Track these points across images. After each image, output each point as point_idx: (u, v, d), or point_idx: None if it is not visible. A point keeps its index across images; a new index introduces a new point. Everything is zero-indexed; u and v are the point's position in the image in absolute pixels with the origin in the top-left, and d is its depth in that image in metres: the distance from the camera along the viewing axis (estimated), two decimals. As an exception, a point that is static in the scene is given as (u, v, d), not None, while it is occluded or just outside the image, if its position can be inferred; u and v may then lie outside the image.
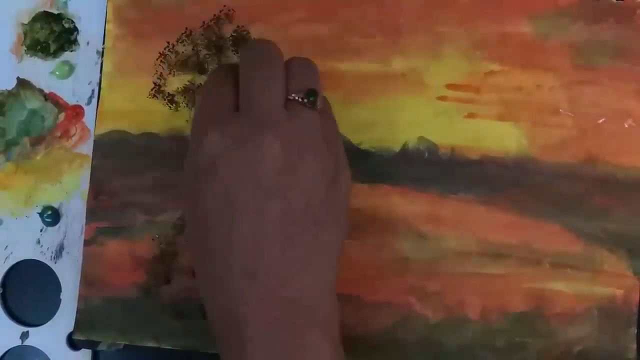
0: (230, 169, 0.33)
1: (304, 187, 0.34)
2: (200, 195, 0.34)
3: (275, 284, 0.33)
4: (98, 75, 0.45)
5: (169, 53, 0.44)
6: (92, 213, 0.43)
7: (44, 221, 0.44)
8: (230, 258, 0.33)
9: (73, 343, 0.44)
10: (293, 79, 0.35)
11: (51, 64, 0.45)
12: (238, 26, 0.44)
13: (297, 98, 0.35)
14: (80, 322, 0.43)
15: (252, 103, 0.34)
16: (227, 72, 0.37)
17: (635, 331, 0.41)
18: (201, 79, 0.44)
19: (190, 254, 0.37)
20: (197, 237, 0.35)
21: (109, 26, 0.44)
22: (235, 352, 0.33)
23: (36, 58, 0.45)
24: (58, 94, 0.45)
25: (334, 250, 0.35)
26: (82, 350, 0.44)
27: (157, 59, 0.44)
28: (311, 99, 0.35)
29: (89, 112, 0.45)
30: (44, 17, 0.45)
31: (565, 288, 0.41)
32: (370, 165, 0.42)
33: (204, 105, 0.36)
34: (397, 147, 0.42)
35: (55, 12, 0.45)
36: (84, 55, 0.45)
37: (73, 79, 0.45)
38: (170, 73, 0.44)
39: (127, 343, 0.43)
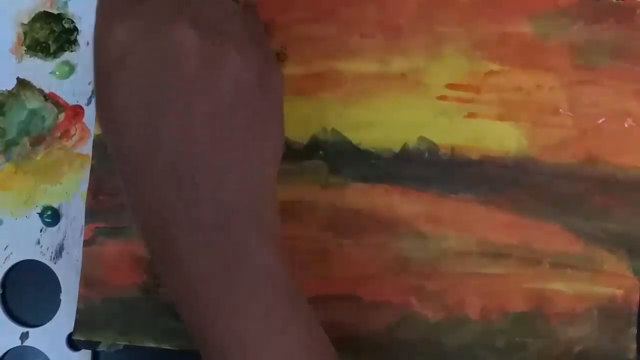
0: (145, 65, 0.30)
1: (228, 80, 0.30)
2: (113, 94, 0.30)
3: (207, 187, 0.30)
4: (98, 75, 0.45)
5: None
6: (91, 213, 0.43)
7: (43, 221, 0.44)
8: (154, 160, 0.30)
9: (73, 343, 0.44)
10: None
11: (51, 64, 0.45)
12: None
13: None
14: (80, 322, 0.43)
15: None
16: None
17: (635, 331, 0.41)
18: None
19: (117, 172, 0.33)
20: (116, 143, 0.31)
21: (109, 26, 0.44)
22: (171, 265, 0.31)
23: (36, 58, 0.45)
24: (58, 94, 0.45)
25: (269, 156, 0.32)
26: (82, 350, 0.44)
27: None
28: None
29: (89, 112, 0.45)
30: (44, 17, 0.45)
31: (565, 288, 0.41)
32: (370, 165, 0.42)
33: None
34: (397, 147, 0.42)
35: (55, 12, 0.45)
36: (84, 55, 0.45)
37: (73, 79, 0.45)
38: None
39: (127, 343, 0.43)
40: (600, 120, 0.42)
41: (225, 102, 0.30)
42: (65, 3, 0.45)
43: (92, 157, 0.44)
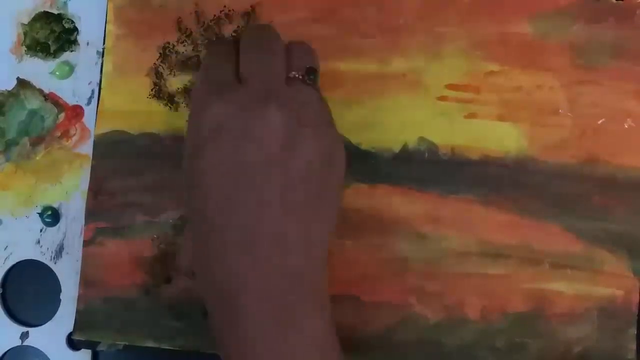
0: (234, 137, 0.33)
1: (304, 159, 0.34)
2: (202, 164, 0.34)
3: (273, 254, 0.33)
4: (98, 75, 0.45)
5: (169, 53, 0.44)
6: (91, 213, 0.43)
7: (43, 221, 0.44)
8: (230, 227, 0.33)
9: (73, 343, 0.44)
10: (293, 58, 0.36)
11: (51, 64, 0.45)
12: (238, 26, 0.44)
13: (297, 75, 0.36)
14: (80, 322, 0.43)
15: (254, 75, 0.35)
16: (227, 45, 0.38)
17: (635, 331, 0.41)
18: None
19: (189, 236, 0.37)
20: (196, 207, 0.35)
21: (109, 26, 0.44)
22: (229, 322, 0.33)
23: (36, 58, 0.45)
24: (58, 94, 0.45)
25: (328, 226, 0.35)
26: (82, 350, 0.44)
27: (157, 59, 0.44)
28: (311, 76, 0.36)
29: (89, 112, 0.45)
30: (44, 17, 0.46)
31: (565, 288, 0.41)
32: (370, 165, 0.42)
33: (205, 76, 0.36)
34: (397, 147, 0.42)
35: (55, 12, 0.45)
36: (84, 55, 0.45)
37: (73, 79, 0.45)
38: (170, 73, 0.44)
39: (126, 343, 0.43)
40: (600, 121, 0.42)
41: (298, 177, 0.34)
42: (65, 3, 0.45)
43: (92, 157, 0.44)
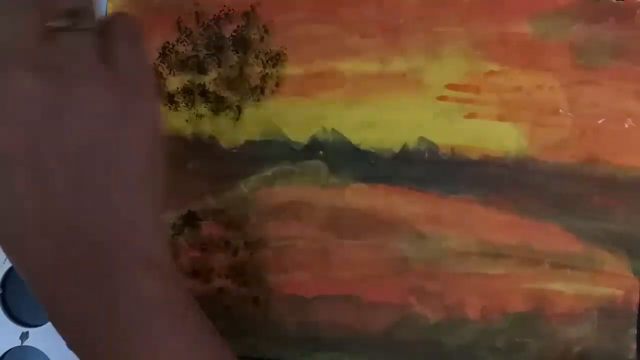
0: None
1: (78, 121, 0.29)
2: None
3: (68, 233, 0.29)
4: (98, 75, 0.44)
5: (168, 53, 0.44)
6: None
7: (43, 221, 0.44)
8: (16, 221, 0.29)
9: (73, 343, 0.44)
10: (49, 2, 0.30)
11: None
12: (238, 26, 0.44)
13: (54, 25, 0.30)
14: (80, 322, 0.43)
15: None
16: None
17: (635, 331, 0.41)
18: (201, 79, 0.44)
19: None
20: None
21: (109, 26, 0.44)
22: (54, 309, 0.31)
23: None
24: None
25: (141, 190, 0.31)
26: (82, 350, 0.44)
27: (156, 59, 0.44)
28: (71, 21, 0.30)
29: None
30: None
31: (565, 288, 0.41)
32: (370, 165, 0.42)
33: None
34: (397, 147, 0.42)
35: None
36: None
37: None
38: (169, 73, 0.44)
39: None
40: (600, 121, 0.42)
41: (72, 151, 0.29)
42: (65, 3, 0.45)
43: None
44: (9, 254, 0.31)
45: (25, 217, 0.29)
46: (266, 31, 0.43)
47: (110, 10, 0.44)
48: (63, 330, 0.31)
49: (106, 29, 0.32)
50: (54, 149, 0.29)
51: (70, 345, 0.31)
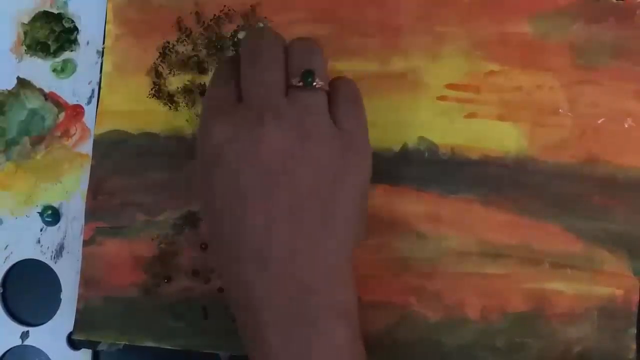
0: (235, 158, 0.34)
1: (309, 170, 0.34)
2: (209, 187, 0.35)
3: (285, 268, 0.33)
4: (98, 75, 0.45)
5: (169, 53, 0.44)
6: (91, 213, 0.43)
7: (44, 221, 0.44)
8: (241, 246, 0.34)
9: (73, 343, 0.44)
10: (292, 62, 0.35)
11: (51, 63, 0.45)
12: (238, 26, 0.44)
13: (296, 83, 0.35)
14: (80, 322, 0.43)
15: (252, 93, 0.35)
16: (230, 65, 0.37)
17: (635, 331, 0.41)
18: (201, 79, 0.44)
19: (211, 252, 0.40)
20: (212, 229, 0.36)
21: (109, 26, 0.44)
22: (254, 338, 0.34)
23: (36, 58, 0.45)
24: (58, 93, 0.45)
25: (346, 238, 0.35)
26: (82, 350, 0.44)
27: (157, 59, 0.44)
28: (309, 79, 0.35)
29: (89, 112, 0.45)
30: (44, 17, 0.46)
31: (565, 288, 0.41)
32: (370, 165, 0.42)
33: (209, 99, 0.37)
34: (397, 147, 0.42)
35: (55, 11, 0.45)
36: (83, 55, 0.45)
37: (73, 78, 0.45)
38: (170, 73, 0.44)
39: (126, 343, 0.43)
40: (600, 121, 0.42)
41: (302, 195, 0.34)
42: (65, 3, 0.45)
43: (92, 157, 0.44)
44: (223, 279, 0.36)
45: (251, 250, 0.34)
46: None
47: (110, 9, 0.44)
48: (249, 349, 0.35)
49: (333, 88, 0.36)
50: (285, 192, 0.33)
51: None
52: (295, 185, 0.33)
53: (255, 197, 0.33)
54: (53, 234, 0.44)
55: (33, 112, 0.45)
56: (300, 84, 0.35)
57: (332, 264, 0.34)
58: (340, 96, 0.36)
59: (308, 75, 0.35)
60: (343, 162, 0.35)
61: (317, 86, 0.35)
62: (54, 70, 0.45)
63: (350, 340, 0.34)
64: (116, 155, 0.43)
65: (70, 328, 0.43)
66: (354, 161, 0.35)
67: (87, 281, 0.43)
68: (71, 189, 0.44)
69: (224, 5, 0.44)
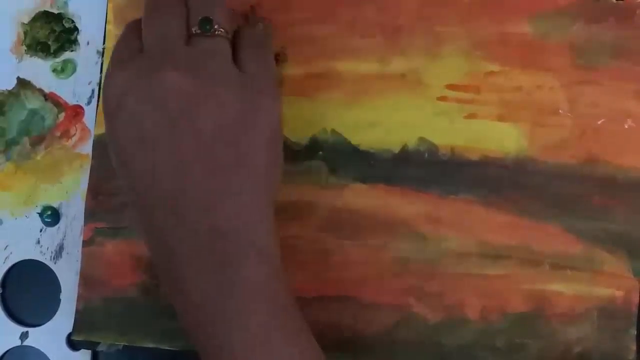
0: (136, 105, 0.34)
1: (213, 113, 0.34)
2: (114, 138, 0.35)
3: (198, 214, 0.34)
4: (98, 75, 0.45)
5: (168, 53, 0.44)
6: (91, 213, 0.43)
7: (43, 221, 0.44)
8: (153, 193, 0.34)
9: (73, 343, 0.44)
10: (191, 14, 0.36)
11: (51, 63, 0.45)
12: (238, 26, 0.43)
13: (196, 30, 0.35)
14: (79, 322, 0.43)
15: (151, 43, 0.35)
16: (134, 22, 0.38)
17: (635, 332, 0.41)
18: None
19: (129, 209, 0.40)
20: (123, 182, 0.36)
21: (109, 26, 0.44)
22: (174, 286, 0.35)
23: (36, 58, 0.45)
24: (58, 93, 0.45)
25: (260, 181, 0.35)
26: (82, 350, 0.44)
27: (156, 59, 0.44)
28: (207, 26, 0.35)
29: (89, 112, 0.45)
30: (44, 17, 0.45)
31: (565, 289, 0.41)
32: (370, 166, 0.42)
33: (113, 52, 0.37)
34: (396, 148, 0.42)
35: (56, 12, 0.45)
36: (84, 55, 0.45)
37: (73, 78, 0.45)
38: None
39: (126, 343, 0.43)
40: (600, 121, 0.41)
41: (209, 138, 0.34)
42: (66, 3, 0.45)
43: (92, 157, 0.44)
44: (139, 226, 0.36)
45: (162, 196, 0.34)
46: (266, 31, 0.43)
47: (110, 10, 0.44)
48: (182, 309, 0.35)
49: (237, 35, 0.37)
50: (191, 135, 0.33)
51: (186, 328, 0.35)
52: (200, 129, 0.33)
53: (160, 143, 0.33)
54: (53, 235, 0.44)
55: (33, 112, 0.45)
56: (199, 32, 0.36)
57: (248, 206, 0.34)
58: (244, 41, 0.37)
59: (206, 22, 0.36)
60: (249, 105, 0.35)
61: (216, 33, 0.36)
62: (54, 70, 0.45)
63: (271, 277, 0.34)
64: (116, 155, 0.43)
65: (69, 329, 0.43)
66: (260, 104, 0.35)
67: (86, 281, 0.43)
68: (71, 189, 0.44)
69: (224, 6, 0.44)
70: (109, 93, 0.35)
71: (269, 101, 0.36)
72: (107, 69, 0.36)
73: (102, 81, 0.36)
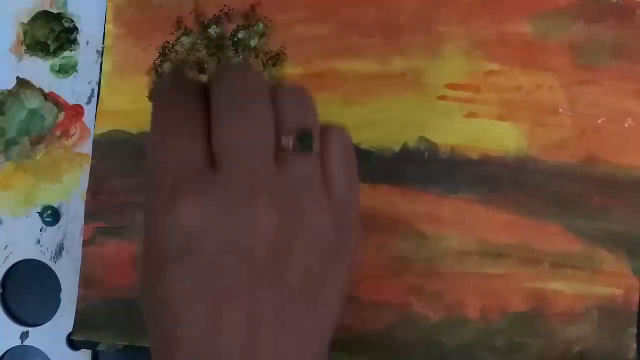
0: (216, 253, 0.26)
1: (304, 262, 0.28)
2: (168, 292, 0.27)
3: None
4: (98, 75, 0.45)
5: (169, 53, 0.44)
6: (91, 213, 0.43)
7: (44, 221, 0.44)
8: (217, 349, 0.27)
9: (73, 343, 0.44)
10: (283, 118, 0.28)
11: (51, 63, 0.45)
12: (238, 26, 0.44)
13: (289, 144, 0.28)
14: (80, 322, 0.43)
15: (233, 157, 0.27)
16: (191, 96, 0.28)
17: (635, 331, 0.41)
18: (201, 79, 0.44)
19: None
20: (167, 340, 0.27)
21: (109, 26, 0.44)
22: None
23: (36, 58, 0.45)
24: (58, 93, 0.45)
25: (329, 327, 0.29)
26: (82, 350, 0.44)
27: (157, 59, 0.44)
28: (306, 144, 0.28)
29: (89, 112, 0.45)
30: (44, 17, 0.45)
31: (565, 288, 0.41)
32: (370, 165, 0.42)
33: (164, 146, 0.28)
34: (397, 147, 0.42)
35: (55, 11, 0.45)
36: (83, 55, 0.45)
37: (73, 78, 0.45)
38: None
39: (127, 343, 0.43)
40: (600, 120, 0.42)
41: (293, 290, 0.27)
42: (65, 3, 0.45)
43: (92, 157, 0.44)
44: None
45: (228, 350, 0.26)
46: (266, 31, 0.43)
47: (110, 9, 0.44)
48: None
49: (325, 144, 0.29)
50: (276, 290, 0.27)
51: None
52: (286, 281, 0.27)
53: (237, 299, 0.26)
54: (53, 234, 0.44)
55: (33, 112, 0.45)
56: (296, 146, 0.28)
57: (313, 352, 0.29)
58: (335, 156, 0.30)
59: (306, 138, 0.28)
60: (336, 244, 0.29)
61: (314, 150, 0.29)
62: (54, 70, 0.45)
63: None
64: (116, 155, 0.43)
65: (70, 328, 0.43)
66: (346, 240, 0.29)
67: (87, 282, 0.43)
68: (71, 189, 0.44)
69: (224, 5, 0.44)
70: (177, 228, 0.26)
71: (356, 237, 0.30)
72: (160, 175, 0.27)
73: (146, 204, 0.28)
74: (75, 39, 0.45)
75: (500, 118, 0.42)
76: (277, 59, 0.43)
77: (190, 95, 0.28)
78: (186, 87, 0.29)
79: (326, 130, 0.30)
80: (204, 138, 0.27)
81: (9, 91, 0.45)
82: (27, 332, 0.44)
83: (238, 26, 0.44)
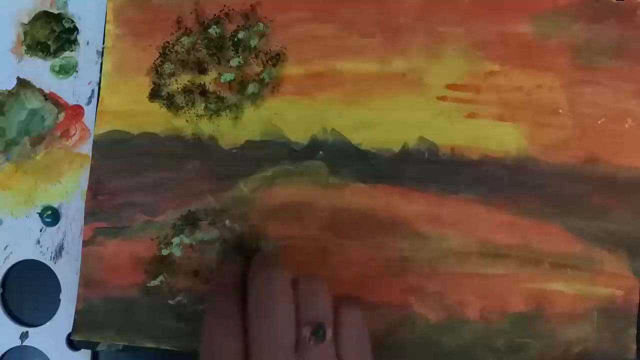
0: None
1: None
2: None
3: None
4: (98, 75, 0.45)
5: (169, 53, 0.44)
6: (91, 213, 0.43)
7: (43, 221, 0.44)
8: None
9: (72, 343, 0.44)
10: (301, 312, 0.34)
11: (51, 63, 0.45)
12: (238, 26, 0.44)
13: (307, 335, 0.34)
14: (79, 322, 0.43)
15: (261, 353, 0.33)
16: (234, 304, 0.36)
17: (635, 331, 0.41)
18: (201, 79, 0.44)
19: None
20: None
21: (109, 26, 0.44)
22: None
23: (36, 58, 0.45)
24: (58, 93, 0.45)
25: None
26: (82, 350, 0.44)
27: (157, 59, 0.44)
28: (319, 334, 0.34)
29: (89, 112, 0.45)
30: (44, 17, 0.45)
31: (565, 288, 0.41)
32: (370, 165, 0.42)
33: (213, 347, 0.35)
34: (397, 147, 0.42)
35: (55, 11, 0.45)
36: (83, 55, 0.45)
37: (73, 78, 0.45)
38: (170, 73, 0.44)
39: (126, 343, 0.43)
40: (600, 121, 0.42)
41: None
42: (65, 3, 0.45)
43: (92, 157, 0.44)
44: None
45: None
46: (266, 31, 0.43)
47: (110, 9, 0.44)
48: None
49: (338, 333, 0.35)
50: None
51: None
52: None
53: None
54: (53, 235, 0.44)
55: (33, 112, 0.45)
56: (310, 337, 0.34)
57: None
58: (347, 340, 0.35)
59: (319, 330, 0.34)
60: None
61: (327, 339, 0.34)
62: (54, 70, 0.45)
63: None
64: (116, 155, 0.43)
65: (69, 329, 0.43)
66: None
67: (86, 282, 0.43)
68: (71, 189, 0.44)
69: (224, 5, 0.44)
70: None
71: None
72: None
73: None
74: (75, 39, 0.45)
75: (500, 118, 0.42)
76: (277, 59, 0.43)
77: (235, 304, 0.35)
78: (231, 293, 0.36)
79: (340, 312, 0.35)
80: (242, 339, 0.34)
81: (9, 91, 0.45)
82: (27, 332, 0.44)
83: (238, 26, 0.44)
